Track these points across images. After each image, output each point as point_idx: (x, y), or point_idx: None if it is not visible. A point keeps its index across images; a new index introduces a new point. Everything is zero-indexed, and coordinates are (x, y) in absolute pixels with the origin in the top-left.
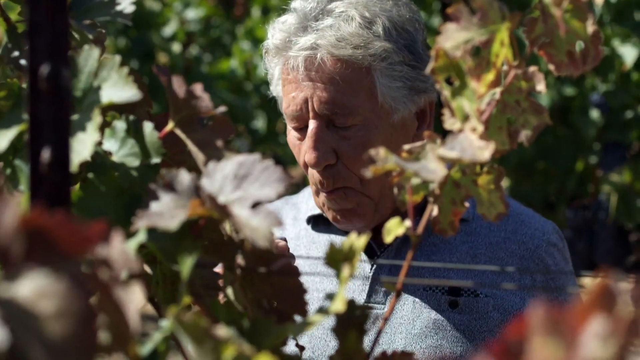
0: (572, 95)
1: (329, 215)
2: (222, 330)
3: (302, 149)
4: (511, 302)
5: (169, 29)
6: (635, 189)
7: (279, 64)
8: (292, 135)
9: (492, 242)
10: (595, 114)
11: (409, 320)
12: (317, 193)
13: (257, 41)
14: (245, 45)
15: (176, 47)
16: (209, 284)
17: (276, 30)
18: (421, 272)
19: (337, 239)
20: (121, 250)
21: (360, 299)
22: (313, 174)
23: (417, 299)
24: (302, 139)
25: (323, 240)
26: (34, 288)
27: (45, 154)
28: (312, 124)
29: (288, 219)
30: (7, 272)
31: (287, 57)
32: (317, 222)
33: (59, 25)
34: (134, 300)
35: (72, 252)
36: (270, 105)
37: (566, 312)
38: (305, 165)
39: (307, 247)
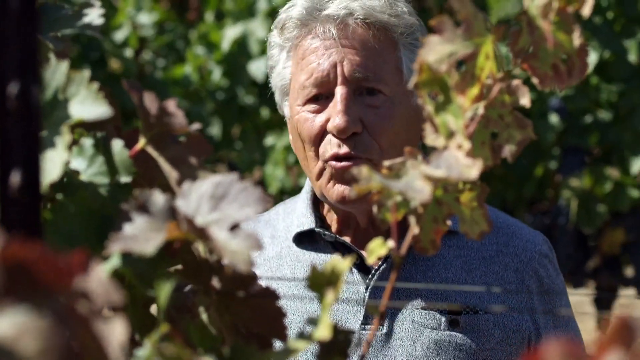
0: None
1: (334, 192)
2: None
3: (318, 121)
4: (511, 319)
5: (121, 34)
6: (595, 194)
7: (295, 40)
8: (303, 113)
9: (486, 256)
10: (554, 118)
11: (409, 342)
12: (320, 173)
13: (211, 46)
14: (199, 50)
15: (128, 53)
16: (181, 307)
17: (297, 4)
18: (419, 291)
19: (326, 257)
20: (101, 281)
21: (356, 320)
22: (327, 147)
23: (416, 319)
24: (319, 110)
25: (309, 259)
26: (14, 325)
27: (15, 177)
28: (340, 90)
29: (265, 237)
30: None
31: (316, 22)
32: (302, 240)
33: (28, 39)
34: (116, 334)
35: (53, 286)
36: (226, 111)
37: (583, 347)
38: (318, 140)
39: (292, 267)
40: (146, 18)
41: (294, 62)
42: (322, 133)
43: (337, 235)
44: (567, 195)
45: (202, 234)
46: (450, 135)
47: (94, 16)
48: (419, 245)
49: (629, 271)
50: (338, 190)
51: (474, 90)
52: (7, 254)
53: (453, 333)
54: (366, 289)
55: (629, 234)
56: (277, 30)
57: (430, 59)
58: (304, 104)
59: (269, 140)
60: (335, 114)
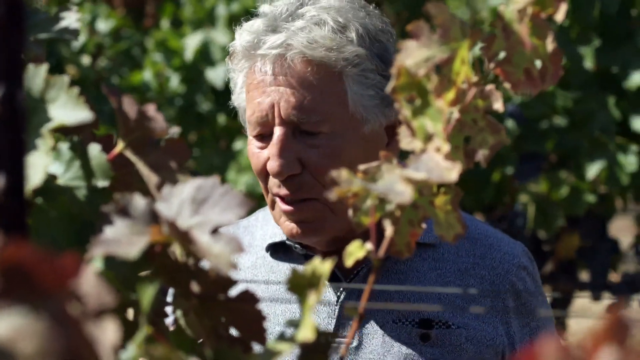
0: None
1: (285, 228)
2: None
3: (262, 157)
4: (484, 333)
5: (76, 42)
6: (551, 199)
7: (245, 69)
8: (253, 145)
9: (461, 269)
10: (510, 124)
11: (379, 356)
12: (272, 205)
13: (169, 52)
14: (157, 57)
15: (86, 60)
16: (158, 311)
17: (244, 32)
18: (391, 304)
19: (299, 269)
20: (93, 283)
21: (329, 329)
22: (272, 185)
23: (386, 333)
24: (264, 147)
25: (283, 270)
26: (12, 327)
27: (0, 181)
28: (277, 131)
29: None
30: None
31: (255, 58)
32: (277, 250)
33: (13, 44)
34: (108, 336)
35: (50, 288)
36: (184, 118)
37: (576, 344)
38: (264, 176)
39: (266, 277)
40: (103, 25)
41: (245, 90)
42: (266, 171)
43: (307, 248)
44: (524, 200)
45: (184, 237)
46: (428, 138)
47: (70, 20)
48: (394, 249)
49: (584, 275)
50: (288, 226)
51: (450, 95)
52: (4, 256)
53: (424, 348)
54: (337, 298)
55: (584, 239)
56: (229, 56)
57: (407, 63)
58: (253, 136)
59: (237, 144)
60: (271, 156)
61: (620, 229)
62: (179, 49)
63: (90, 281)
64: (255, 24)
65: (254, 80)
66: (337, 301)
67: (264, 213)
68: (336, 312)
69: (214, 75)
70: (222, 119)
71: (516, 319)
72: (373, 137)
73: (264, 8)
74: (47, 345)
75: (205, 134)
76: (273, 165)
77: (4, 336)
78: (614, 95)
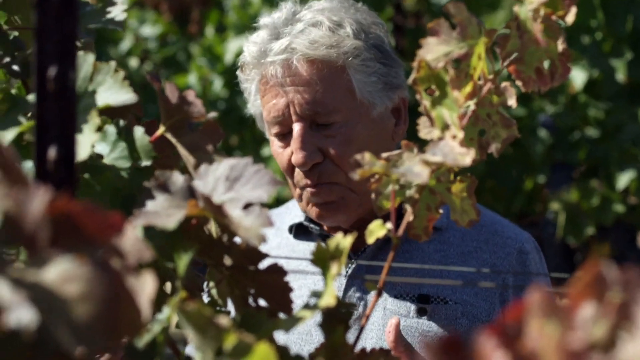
0: (520, 116)
1: (313, 212)
2: (224, 319)
3: (286, 154)
4: (480, 309)
5: (124, 46)
6: (582, 208)
7: (256, 77)
8: (275, 145)
9: (464, 252)
10: (543, 133)
11: (379, 327)
12: (300, 197)
13: (214, 58)
14: (202, 61)
15: (133, 63)
16: (191, 283)
17: (250, 44)
18: (393, 280)
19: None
20: (134, 239)
21: None
22: (298, 177)
23: (387, 306)
24: (285, 145)
25: (303, 249)
26: (59, 272)
27: (52, 152)
28: (296, 127)
29: (273, 229)
30: (34, 258)
31: (265, 66)
32: (298, 231)
33: (67, 28)
34: (146, 289)
35: (96, 240)
36: (226, 121)
37: (562, 296)
38: (290, 171)
39: (288, 256)
40: (149, 30)
41: (260, 95)
42: (291, 165)
43: (323, 228)
44: (554, 208)
45: (218, 211)
46: (445, 127)
47: (117, 11)
48: (412, 232)
49: None
50: (315, 210)
51: (467, 88)
52: (54, 207)
53: (420, 320)
54: (345, 274)
55: (613, 248)
56: (240, 69)
57: (428, 57)
58: (274, 136)
59: (267, 150)
60: (294, 150)
61: None
62: (223, 54)
63: (132, 237)
64: (260, 35)
65: (266, 85)
66: (345, 275)
67: (294, 202)
68: (344, 285)
69: None
70: None
71: (513, 298)
72: (381, 119)
73: (264, 20)
74: (91, 291)
75: (246, 137)
76: (297, 157)
77: (52, 281)
78: None
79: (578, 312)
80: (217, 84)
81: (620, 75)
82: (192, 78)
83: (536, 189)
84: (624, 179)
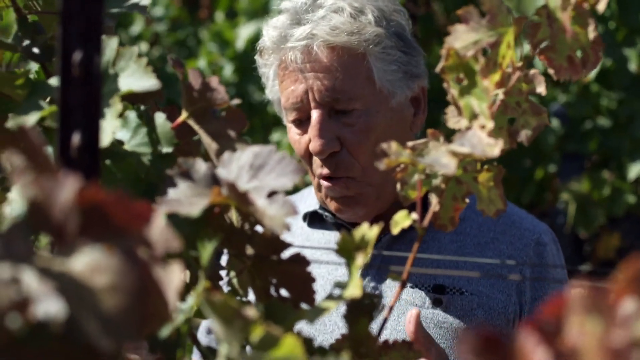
0: None
1: (332, 205)
2: (251, 311)
3: (304, 141)
4: (496, 301)
5: (135, 29)
6: (593, 198)
7: (275, 62)
8: (292, 132)
9: (481, 243)
10: (555, 123)
11: (394, 317)
12: (318, 187)
13: (224, 43)
14: (212, 47)
15: (143, 47)
16: (213, 273)
17: (270, 29)
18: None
19: (331, 235)
20: (162, 229)
21: None
22: (315, 166)
23: (403, 296)
24: (302, 132)
25: (317, 237)
26: (88, 263)
27: (76, 138)
28: (314, 114)
29: None
30: (63, 247)
31: (284, 51)
32: (313, 220)
33: (92, 12)
34: (173, 280)
35: (124, 229)
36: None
37: (603, 292)
38: (308, 158)
39: (302, 244)
40: (161, 12)
41: (278, 81)
42: (308, 153)
43: (337, 216)
44: (565, 198)
45: (242, 199)
46: (473, 116)
47: None
48: (438, 222)
49: None
50: (334, 204)
51: (496, 77)
52: (84, 196)
53: (435, 311)
54: None
55: (624, 239)
56: (258, 53)
57: (456, 45)
58: (291, 122)
59: (275, 136)
60: (312, 138)
61: None
62: (233, 39)
63: (159, 227)
64: (280, 19)
65: (285, 71)
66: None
67: (309, 190)
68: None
69: None
70: (272, 109)
71: (530, 290)
72: (401, 109)
73: (285, 4)
74: (119, 281)
75: (255, 124)
76: (315, 145)
77: (81, 270)
78: None
79: (620, 308)
80: (227, 70)
81: (633, 65)
82: (201, 63)
83: (547, 179)
84: (635, 170)
